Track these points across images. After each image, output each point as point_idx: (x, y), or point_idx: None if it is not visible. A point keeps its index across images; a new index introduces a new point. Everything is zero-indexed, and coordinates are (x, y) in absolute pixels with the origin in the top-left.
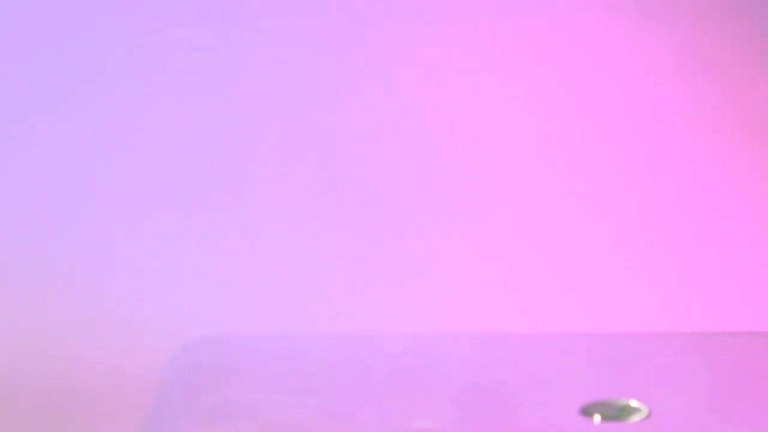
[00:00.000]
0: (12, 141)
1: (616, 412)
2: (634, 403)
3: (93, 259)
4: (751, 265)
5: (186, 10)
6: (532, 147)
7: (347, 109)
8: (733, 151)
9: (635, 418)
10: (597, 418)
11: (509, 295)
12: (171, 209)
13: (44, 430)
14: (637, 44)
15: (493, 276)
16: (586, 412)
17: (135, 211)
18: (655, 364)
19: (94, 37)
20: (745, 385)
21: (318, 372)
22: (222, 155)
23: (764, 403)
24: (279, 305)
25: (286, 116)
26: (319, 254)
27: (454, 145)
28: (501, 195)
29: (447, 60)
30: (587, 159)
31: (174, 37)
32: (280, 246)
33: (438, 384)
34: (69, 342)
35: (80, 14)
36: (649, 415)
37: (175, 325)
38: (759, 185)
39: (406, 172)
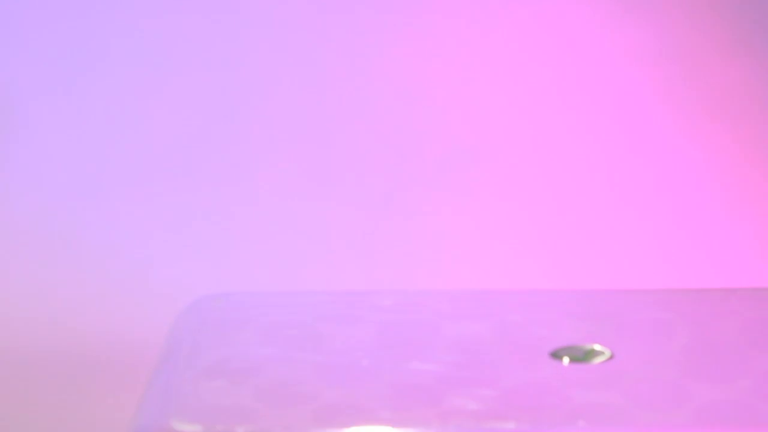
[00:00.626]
0: (29, 123)
1: (582, 355)
2: (598, 347)
3: (104, 229)
4: (723, 227)
5: None
6: (516, 124)
7: (345, 89)
8: (706, 130)
9: (599, 360)
10: (566, 360)
11: (491, 256)
12: (176, 183)
13: (59, 391)
14: (617, 33)
15: (476, 240)
16: (556, 355)
17: (142, 186)
18: (625, 317)
19: (103, 24)
20: (710, 339)
21: (315, 324)
22: (225, 132)
23: (724, 356)
24: (279, 267)
25: (285, 95)
26: (316, 221)
27: (443, 122)
28: (485, 168)
29: (438, 46)
30: (568, 134)
31: (178, 22)
32: (280, 214)
33: (424, 333)
34: (85, 304)
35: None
36: (611, 357)
37: (183, 287)
38: (729, 158)
39: (398, 145)
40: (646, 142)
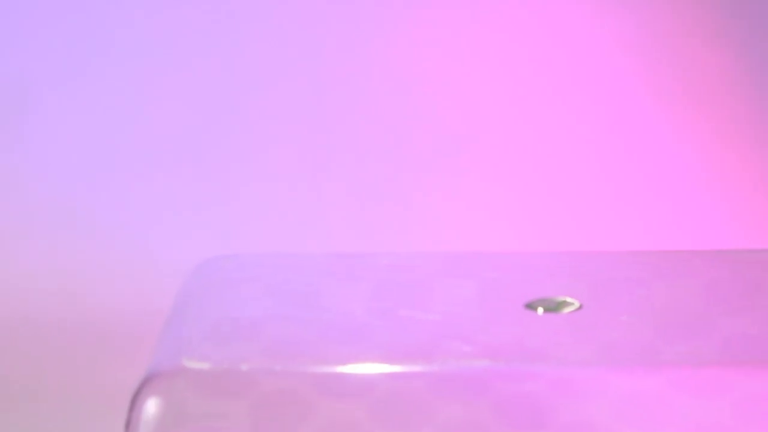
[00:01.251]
0: (41, 109)
1: (554, 306)
2: (569, 299)
3: (112, 206)
4: (695, 198)
5: None
6: (503, 112)
7: (346, 77)
8: (683, 112)
9: (568, 310)
10: (540, 310)
11: (477, 224)
12: (179, 163)
13: (74, 354)
14: (602, 22)
15: (466, 205)
16: (530, 306)
17: (146, 165)
18: (596, 275)
19: (110, 18)
20: (675, 294)
21: (317, 282)
22: (227, 119)
23: (687, 310)
24: (282, 230)
25: (289, 71)
26: (318, 187)
27: (435, 110)
28: (476, 142)
29: (431, 42)
30: (552, 119)
31: (180, 14)
32: (284, 180)
33: (415, 289)
34: (95, 274)
35: None
36: (580, 308)
37: (187, 255)
38: (705, 138)
39: (395, 128)
40: (627, 124)
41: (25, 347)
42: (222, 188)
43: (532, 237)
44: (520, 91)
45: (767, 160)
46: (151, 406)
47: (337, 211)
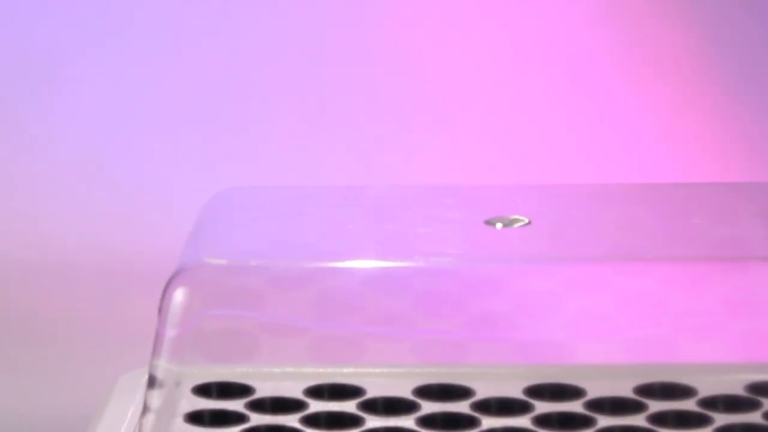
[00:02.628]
0: (69, 77)
1: (508, 221)
2: (519, 216)
3: (132, 161)
4: (653, 156)
5: None
6: (482, 77)
7: (346, 41)
8: (644, 81)
9: (519, 225)
10: (499, 225)
11: (456, 161)
12: (192, 122)
13: (99, 293)
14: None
15: (447, 145)
16: (489, 222)
17: (164, 124)
18: (552, 200)
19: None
20: (612, 214)
21: (316, 205)
22: (236, 85)
23: (618, 223)
24: (289, 167)
25: (292, 33)
26: (318, 132)
27: (422, 72)
28: (455, 99)
29: (419, 11)
30: (525, 85)
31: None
32: (291, 120)
33: (400, 210)
34: (120, 218)
35: None
36: (528, 223)
37: (205, 192)
38: (663, 102)
39: (389, 84)
40: (592, 92)
41: (56, 287)
42: (229, 142)
43: (506, 174)
44: (498, 57)
45: (719, 124)
46: (178, 295)
47: (334, 150)
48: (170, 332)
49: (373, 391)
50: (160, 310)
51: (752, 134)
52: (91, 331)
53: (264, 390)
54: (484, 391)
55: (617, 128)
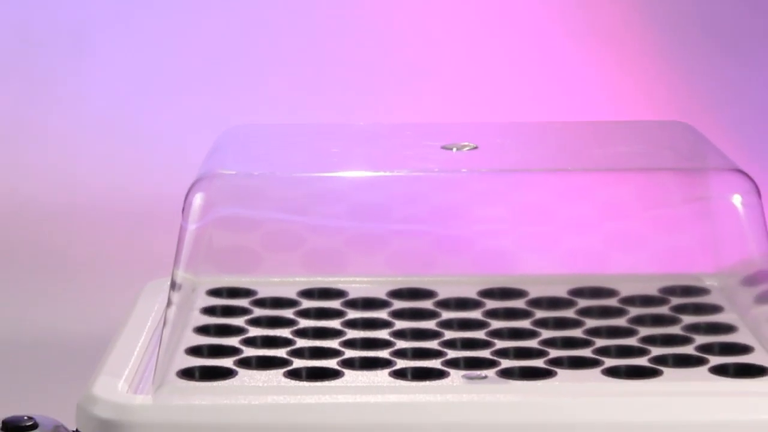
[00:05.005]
0: (97, 45)
1: (460, 146)
2: (469, 142)
3: (152, 117)
4: (598, 113)
5: None
6: (451, 48)
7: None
8: (590, 45)
9: (467, 149)
10: (454, 149)
11: (434, 100)
12: (206, 77)
13: (123, 228)
14: None
15: (425, 88)
16: (445, 147)
17: (181, 88)
18: (499, 134)
19: None
20: (555, 142)
21: (312, 134)
22: (242, 48)
23: (569, 145)
24: (292, 106)
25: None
26: (318, 76)
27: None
28: (437, 53)
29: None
30: (490, 56)
31: None
32: (293, 65)
33: (384, 139)
34: (141, 163)
35: None
36: (476, 148)
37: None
38: (605, 63)
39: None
40: (545, 56)
41: (85, 226)
42: (233, 100)
43: (469, 116)
44: (468, 27)
45: (656, 84)
46: (197, 199)
47: (332, 92)
48: (191, 228)
49: (353, 294)
50: (183, 210)
51: (677, 88)
52: (116, 262)
53: (264, 292)
54: (445, 292)
55: (568, 82)
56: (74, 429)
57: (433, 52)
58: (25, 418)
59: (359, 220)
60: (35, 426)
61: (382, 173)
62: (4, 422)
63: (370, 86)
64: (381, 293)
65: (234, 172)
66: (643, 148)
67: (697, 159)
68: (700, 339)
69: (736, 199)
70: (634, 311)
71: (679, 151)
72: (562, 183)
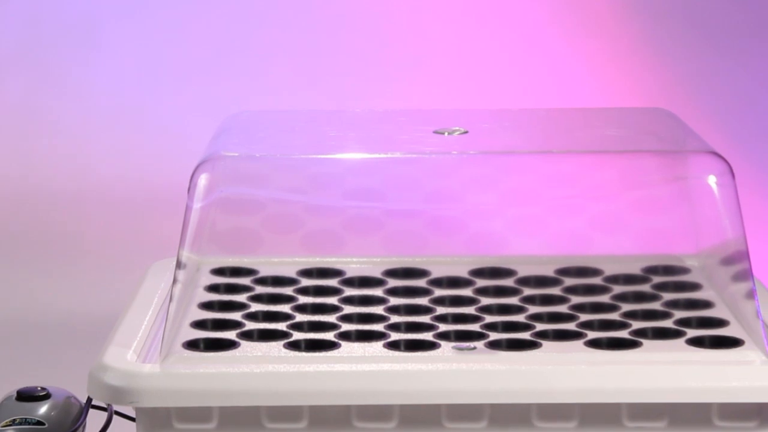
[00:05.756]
0: (106, 34)
1: (451, 131)
2: (458, 127)
3: (161, 105)
4: (585, 99)
5: None
6: (444, 36)
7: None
8: (579, 36)
9: (457, 133)
10: (445, 133)
11: (429, 87)
12: (209, 66)
13: (132, 208)
14: None
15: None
16: (437, 132)
17: (188, 75)
18: (485, 117)
19: None
20: (539, 124)
21: (309, 119)
22: (248, 36)
23: (548, 131)
24: (290, 94)
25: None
26: (317, 63)
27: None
28: (422, 67)
29: None
30: (480, 48)
31: None
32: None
33: (379, 123)
34: (151, 147)
35: None
36: (466, 132)
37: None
38: (592, 53)
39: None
40: (536, 47)
41: (94, 210)
42: (234, 93)
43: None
44: (460, 20)
45: (640, 72)
46: (202, 180)
47: (330, 81)
48: (196, 207)
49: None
50: (188, 190)
51: (664, 78)
52: (123, 245)
53: (265, 271)
54: (438, 272)
55: (557, 73)
56: (86, 397)
57: (426, 44)
58: (39, 388)
59: (356, 203)
60: (48, 396)
61: (377, 155)
62: (18, 392)
63: (366, 75)
64: (376, 272)
65: (236, 154)
66: (625, 132)
67: (675, 142)
68: (679, 314)
69: (711, 180)
70: (618, 289)
71: (659, 135)
72: (548, 165)
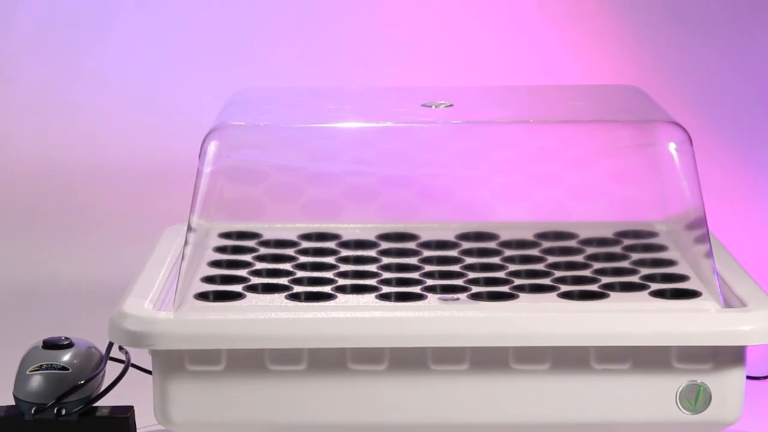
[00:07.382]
0: (117, 21)
1: (438, 104)
2: (444, 101)
3: (171, 86)
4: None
5: None
6: (438, 25)
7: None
8: (565, 24)
9: (443, 106)
10: (433, 106)
11: (429, 64)
12: (214, 50)
13: (141, 184)
14: None
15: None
16: (425, 105)
17: (197, 60)
18: (473, 94)
19: None
20: (526, 101)
21: (311, 94)
22: (253, 17)
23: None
24: (293, 74)
25: None
26: (318, 43)
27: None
28: (417, 52)
29: None
30: (470, 37)
31: None
32: (294, 33)
33: (376, 99)
34: (163, 123)
35: None
36: (451, 106)
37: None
38: (578, 40)
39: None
40: (523, 34)
41: (108, 185)
42: (240, 76)
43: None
44: (451, 6)
45: (623, 59)
46: (212, 147)
47: (329, 61)
48: (206, 171)
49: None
50: (199, 157)
51: (641, 59)
52: (136, 215)
53: (269, 235)
54: (427, 236)
55: (542, 57)
56: (106, 345)
57: (417, 27)
58: (63, 338)
59: (350, 167)
60: (71, 345)
61: (370, 124)
62: (44, 342)
63: (362, 57)
64: (371, 236)
65: (243, 123)
66: (597, 105)
67: (640, 113)
68: (645, 271)
69: (672, 147)
70: (591, 250)
71: (627, 108)
72: (526, 134)
